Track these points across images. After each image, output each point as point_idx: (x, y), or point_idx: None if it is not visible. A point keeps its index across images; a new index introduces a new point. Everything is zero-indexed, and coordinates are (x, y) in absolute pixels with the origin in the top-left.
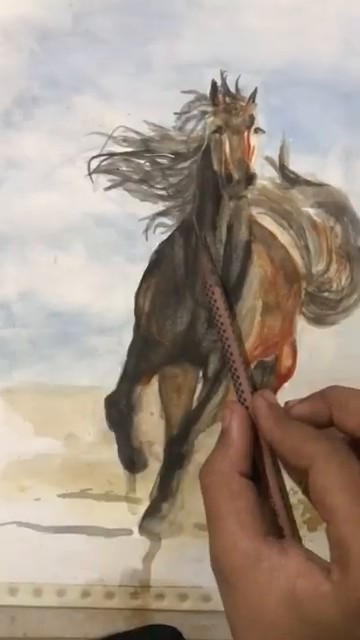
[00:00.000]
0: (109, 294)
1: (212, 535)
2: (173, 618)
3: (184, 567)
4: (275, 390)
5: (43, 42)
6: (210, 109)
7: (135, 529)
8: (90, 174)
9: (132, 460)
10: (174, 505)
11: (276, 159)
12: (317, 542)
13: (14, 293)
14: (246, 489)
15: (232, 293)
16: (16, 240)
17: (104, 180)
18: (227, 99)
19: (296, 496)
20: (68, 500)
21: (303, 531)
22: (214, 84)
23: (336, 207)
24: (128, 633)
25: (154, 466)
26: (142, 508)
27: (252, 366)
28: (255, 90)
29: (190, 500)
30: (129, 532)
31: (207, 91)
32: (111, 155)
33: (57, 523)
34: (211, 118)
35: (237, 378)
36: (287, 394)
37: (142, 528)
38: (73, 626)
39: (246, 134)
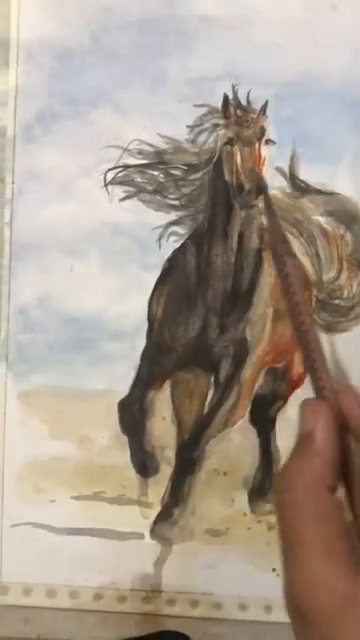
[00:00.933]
0: (123, 301)
1: (291, 566)
2: (184, 625)
3: (195, 573)
4: (286, 397)
5: (62, 60)
6: (222, 122)
7: (147, 533)
8: (106, 185)
9: (144, 464)
10: (185, 510)
11: (286, 169)
12: None
13: (33, 299)
14: (336, 509)
15: (243, 300)
16: (35, 248)
17: (119, 191)
18: (238, 112)
19: None
20: (82, 502)
21: None
22: (226, 97)
23: (346, 215)
24: (139, 638)
25: (166, 471)
26: (154, 512)
27: (263, 372)
28: (266, 102)
29: (201, 506)
30: (141, 536)
31: (219, 104)
32: (126, 167)
33: (70, 525)
34: (223, 130)
35: (315, 368)
36: (298, 401)
37: (153, 532)
38: (85, 629)
39: (257, 145)
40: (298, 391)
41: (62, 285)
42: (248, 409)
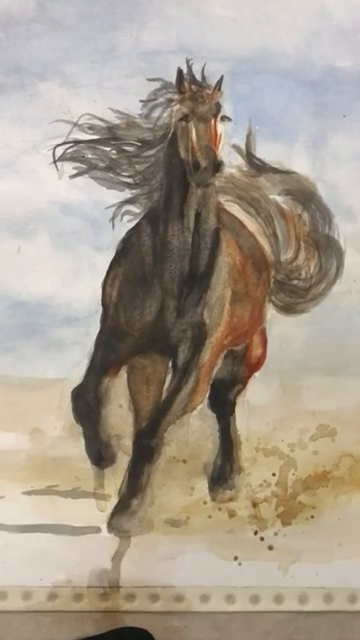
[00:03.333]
0: (75, 284)
1: None
2: (144, 620)
3: (155, 566)
4: (245, 380)
5: (6, 29)
6: (176, 97)
7: (103, 527)
8: (55, 162)
9: (100, 455)
10: (144, 501)
11: (243, 147)
12: (291, 537)
13: None
14: None
15: (201, 282)
16: None
17: (69, 168)
18: (193, 87)
19: (269, 489)
20: (34, 497)
21: (277, 525)
22: (180, 72)
23: (304, 194)
24: (98, 637)
25: (123, 461)
26: (111, 505)
27: (222, 355)
28: (221, 78)
29: (160, 495)
30: (97, 530)
31: (173, 79)
32: (76, 143)
33: (22, 522)
34: (177, 106)
35: None
36: (258, 384)
37: (111, 525)
38: (39, 631)
39: (213, 122)
40: (257, 374)
41: (8, 268)
42: (207, 394)
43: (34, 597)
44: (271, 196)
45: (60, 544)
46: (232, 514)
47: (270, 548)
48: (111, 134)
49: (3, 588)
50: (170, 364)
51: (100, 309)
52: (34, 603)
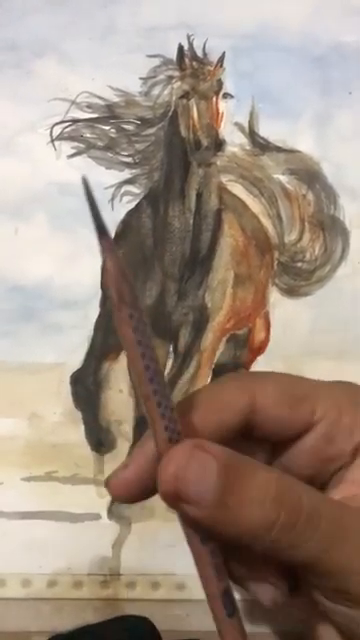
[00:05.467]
0: (74, 267)
1: None
2: (145, 608)
3: (156, 553)
4: (248, 364)
5: (1, 5)
6: (177, 74)
7: (104, 513)
8: (53, 141)
9: (100, 440)
10: None
11: (246, 125)
12: None
13: None
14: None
15: (202, 264)
16: None
17: (67, 147)
18: (194, 64)
19: None
20: (33, 484)
21: None
22: (181, 48)
23: (308, 174)
24: (98, 625)
25: (123, 447)
26: None
27: (224, 339)
28: (223, 54)
29: None
30: (97, 517)
31: (173, 55)
32: (75, 121)
33: (21, 509)
34: (178, 83)
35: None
36: (261, 368)
37: (111, 512)
38: (39, 618)
39: (214, 99)
40: (260, 358)
41: (5, 250)
42: (209, 379)
43: (33, 584)
44: (275, 175)
45: (60, 531)
46: None
47: None
48: (110, 112)
49: (2, 575)
50: (171, 348)
51: (99, 292)
52: (33, 590)
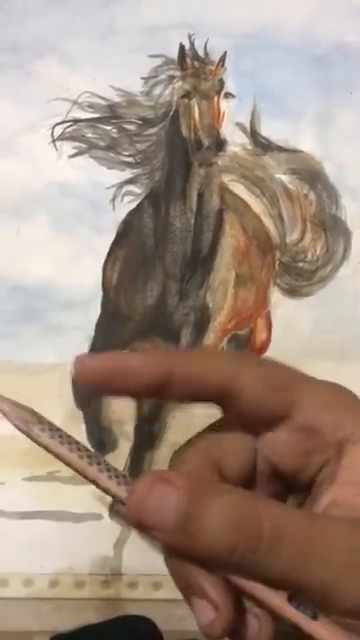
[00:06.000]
0: (75, 267)
1: None
2: (147, 608)
3: (157, 553)
4: None
5: (2, 5)
6: (178, 73)
7: (105, 513)
8: (54, 141)
9: (101, 440)
10: None
11: (247, 125)
12: None
13: None
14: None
15: (203, 265)
16: None
17: (69, 147)
18: (195, 63)
19: None
20: (34, 484)
21: None
22: (182, 48)
23: (310, 174)
24: (99, 625)
25: (124, 447)
26: None
27: (226, 340)
28: (224, 54)
29: None
30: (99, 517)
31: (175, 55)
32: (76, 121)
33: (23, 508)
34: (179, 83)
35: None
36: None
37: (113, 512)
38: (41, 618)
39: (216, 99)
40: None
41: (7, 251)
42: None
43: (35, 584)
44: (276, 175)
45: (61, 531)
46: None
47: None
48: (111, 112)
49: (4, 575)
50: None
51: (100, 293)
52: (35, 590)
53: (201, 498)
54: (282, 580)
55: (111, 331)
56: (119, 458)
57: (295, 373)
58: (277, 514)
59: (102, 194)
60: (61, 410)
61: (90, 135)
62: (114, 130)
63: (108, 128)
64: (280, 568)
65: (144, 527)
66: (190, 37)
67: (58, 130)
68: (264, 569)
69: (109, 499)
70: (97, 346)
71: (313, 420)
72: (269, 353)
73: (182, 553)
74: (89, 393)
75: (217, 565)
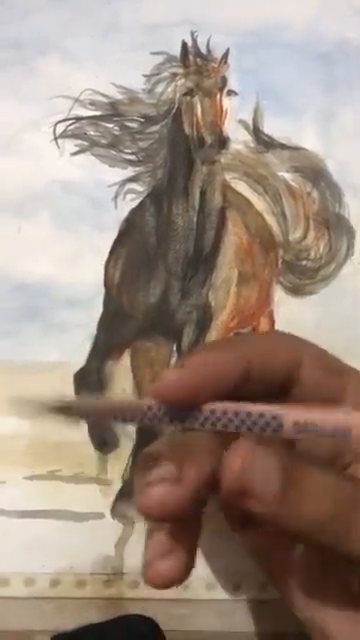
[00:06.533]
0: (77, 265)
1: None
2: (149, 607)
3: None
4: None
5: (4, 2)
6: (180, 71)
7: (107, 513)
8: (56, 139)
9: (103, 439)
10: None
11: (250, 122)
12: None
13: None
14: None
15: (206, 263)
16: None
17: (71, 145)
18: (198, 60)
19: None
20: (35, 482)
21: None
22: (184, 45)
23: (313, 172)
24: (101, 624)
25: (126, 446)
26: (114, 490)
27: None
28: (227, 51)
29: None
30: (100, 516)
31: (177, 52)
32: (78, 119)
33: (24, 507)
34: (182, 80)
35: None
36: None
37: (114, 511)
38: (42, 618)
39: (218, 96)
40: None
41: (8, 249)
42: None
43: (36, 583)
44: (279, 173)
45: (62, 530)
46: None
47: None
48: (113, 110)
49: (5, 574)
50: (175, 347)
51: (102, 291)
52: (36, 589)
53: (297, 467)
54: None
55: (113, 329)
56: (121, 456)
57: (342, 362)
58: None
59: (104, 192)
60: None
61: (92, 133)
62: (116, 128)
63: (110, 126)
64: None
65: (244, 495)
66: (192, 34)
67: (60, 128)
68: (355, 542)
69: (110, 498)
70: (99, 345)
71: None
72: None
73: (279, 524)
74: (90, 392)
75: (309, 536)
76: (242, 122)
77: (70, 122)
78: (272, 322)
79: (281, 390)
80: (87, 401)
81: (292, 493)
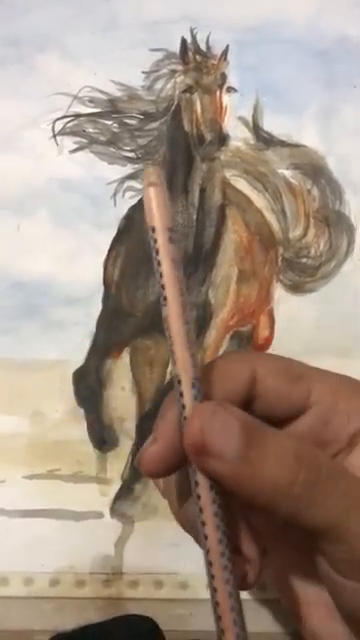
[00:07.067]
0: (76, 263)
1: None
2: (148, 607)
3: (159, 552)
4: None
5: (3, 0)
6: (180, 68)
7: (106, 512)
8: (55, 136)
9: (102, 438)
10: (147, 486)
11: (250, 119)
12: None
13: None
14: None
15: (206, 261)
16: None
17: (70, 142)
18: (197, 57)
19: None
20: (35, 482)
21: None
22: (184, 42)
23: (313, 169)
24: (100, 624)
25: (126, 444)
26: (113, 489)
27: (228, 336)
28: (227, 47)
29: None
30: (100, 515)
31: (176, 49)
32: (77, 116)
33: (23, 507)
34: (181, 77)
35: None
36: None
37: (113, 511)
38: (41, 617)
39: (218, 93)
40: None
41: (7, 247)
42: None
43: (36, 583)
44: (279, 170)
45: (62, 529)
46: None
47: None
48: (112, 107)
49: (4, 574)
50: None
51: (102, 289)
52: (36, 589)
53: (260, 431)
54: (329, 525)
55: (113, 327)
56: (121, 455)
57: (308, 366)
58: (330, 458)
59: (103, 189)
60: (62, 407)
61: (91, 130)
62: (115, 125)
63: (109, 123)
64: (332, 509)
65: (204, 453)
66: (192, 31)
67: (59, 125)
68: (317, 507)
69: (110, 497)
70: (98, 343)
71: (326, 411)
72: (272, 350)
73: (237, 487)
74: (89, 391)
75: (270, 501)
76: (242, 119)
77: (69, 119)
78: (272, 320)
79: (245, 408)
80: None
81: (253, 453)
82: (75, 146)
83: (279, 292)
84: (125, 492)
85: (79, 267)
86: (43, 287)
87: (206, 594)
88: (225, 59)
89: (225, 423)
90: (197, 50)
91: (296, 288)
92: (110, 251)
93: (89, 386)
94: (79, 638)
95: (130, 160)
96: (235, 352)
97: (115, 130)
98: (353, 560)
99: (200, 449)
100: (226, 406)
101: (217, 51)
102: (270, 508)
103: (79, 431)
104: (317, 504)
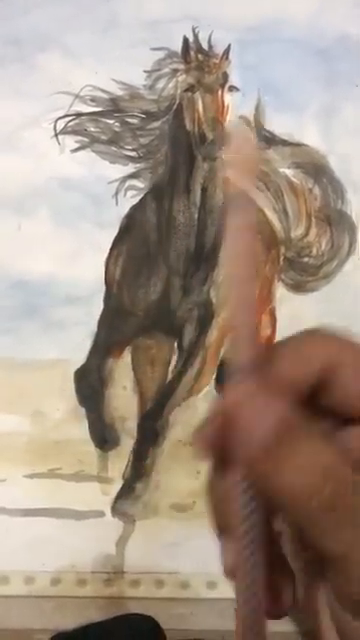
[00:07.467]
0: (77, 262)
1: None
2: (149, 606)
3: (160, 551)
4: None
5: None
6: (182, 67)
7: (107, 511)
8: (56, 135)
9: (104, 437)
10: (149, 485)
11: (251, 118)
12: None
13: None
14: None
15: (207, 260)
16: None
17: (71, 141)
18: (199, 56)
19: None
20: (36, 481)
21: None
22: (186, 40)
23: (314, 167)
24: (101, 623)
25: (127, 443)
26: (115, 488)
27: (229, 336)
28: (228, 46)
29: (166, 479)
30: (101, 514)
31: (178, 48)
32: (78, 115)
33: (24, 506)
34: (183, 76)
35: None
36: None
37: (115, 510)
38: (42, 616)
39: (220, 92)
40: None
41: (8, 246)
42: (214, 376)
43: (37, 582)
44: (281, 169)
45: (63, 528)
46: None
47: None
48: (114, 106)
49: (5, 573)
50: (176, 345)
51: (103, 288)
52: (37, 588)
53: (297, 431)
54: (338, 554)
55: (114, 327)
56: (122, 454)
57: None
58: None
59: (104, 189)
60: (63, 406)
61: (92, 129)
62: (116, 124)
63: (110, 122)
64: (345, 539)
65: (232, 427)
66: (194, 30)
67: (60, 124)
68: (329, 534)
69: (111, 496)
70: (99, 342)
71: None
72: None
73: (259, 477)
74: (90, 390)
75: (287, 505)
76: (243, 118)
77: (70, 118)
78: (274, 319)
79: (312, 397)
80: None
81: (280, 451)
82: (76, 145)
83: (281, 291)
84: (126, 491)
85: (80, 266)
86: (44, 286)
87: (207, 593)
88: (227, 58)
89: (262, 409)
90: (199, 49)
91: (298, 287)
92: (112, 250)
93: (90, 385)
94: (80, 637)
95: (132, 159)
96: (318, 330)
97: (117, 129)
98: (356, 598)
99: (230, 421)
100: (271, 393)
101: (219, 50)
102: (286, 511)
103: (80, 430)
104: (331, 528)
